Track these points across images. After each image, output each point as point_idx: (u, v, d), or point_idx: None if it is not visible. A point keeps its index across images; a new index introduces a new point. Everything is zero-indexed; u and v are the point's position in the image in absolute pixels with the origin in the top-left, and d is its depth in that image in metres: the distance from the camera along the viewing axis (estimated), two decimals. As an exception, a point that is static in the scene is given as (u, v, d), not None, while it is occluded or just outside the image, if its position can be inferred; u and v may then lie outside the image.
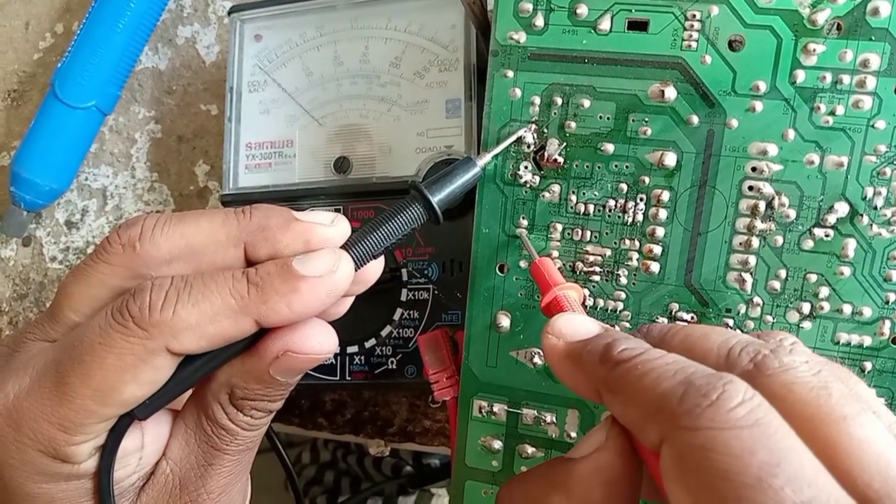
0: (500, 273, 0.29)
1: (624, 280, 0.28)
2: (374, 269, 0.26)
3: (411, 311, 0.35)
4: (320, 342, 0.24)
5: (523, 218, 0.29)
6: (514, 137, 0.28)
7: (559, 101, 0.28)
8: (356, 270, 0.24)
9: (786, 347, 0.20)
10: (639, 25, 0.27)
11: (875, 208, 0.26)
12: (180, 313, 0.22)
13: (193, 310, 0.22)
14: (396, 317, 0.35)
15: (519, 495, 0.22)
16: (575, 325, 0.23)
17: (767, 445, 0.16)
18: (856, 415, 0.18)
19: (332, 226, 0.24)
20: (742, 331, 0.27)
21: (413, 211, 0.25)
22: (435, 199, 0.25)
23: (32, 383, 0.22)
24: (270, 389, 0.24)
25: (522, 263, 0.29)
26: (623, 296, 0.28)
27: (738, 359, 0.20)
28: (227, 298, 0.22)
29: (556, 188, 0.28)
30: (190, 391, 0.25)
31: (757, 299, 0.27)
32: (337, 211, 0.36)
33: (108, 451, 0.23)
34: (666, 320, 0.28)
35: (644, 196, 0.28)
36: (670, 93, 0.27)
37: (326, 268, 0.23)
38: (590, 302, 0.28)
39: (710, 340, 0.21)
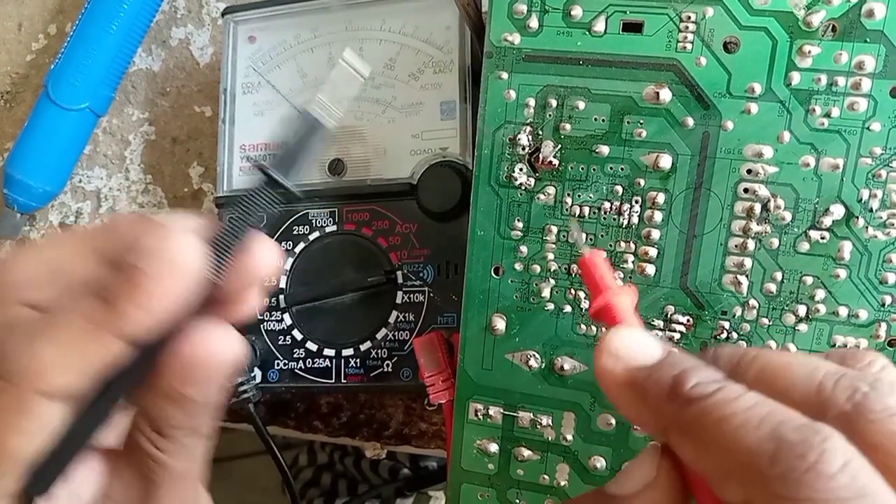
0: (495, 275, 0.29)
1: (619, 283, 0.28)
2: (266, 251, 0.22)
3: (407, 314, 0.34)
4: (214, 342, 0.21)
5: (518, 220, 0.28)
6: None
7: (554, 102, 0.28)
8: (226, 251, 0.21)
9: (885, 382, 0.18)
10: (633, 27, 0.27)
11: (871, 211, 0.26)
12: (37, 352, 0.19)
13: (49, 345, 0.19)
14: (392, 319, 0.35)
15: None
16: (633, 346, 0.20)
17: None
18: None
19: (176, 220, 0.21)
20: (737, 333, 0.27)
21: (264, 193, 0.22)
22: (284, 180, 0.23)
23: None
24: (187, 408, 0.22)
25: (517, 266, 0.29)
26: (618, 298, 0.28)
27: (833, 395, 0.17)
28: (81, 323, 0.20)
29: (552, 190, 0.28)
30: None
31: (753, 302, 0.27)
32: (332, 213, 0.35)
33: None
34: (662, 323, 0.28)
35: (639, 198, 0.27)
36: (665, 95, 0.26)
37: (165, 254, 0.20)
38: (584, 305, 0.28)
39: (792, 371, 0.19)
